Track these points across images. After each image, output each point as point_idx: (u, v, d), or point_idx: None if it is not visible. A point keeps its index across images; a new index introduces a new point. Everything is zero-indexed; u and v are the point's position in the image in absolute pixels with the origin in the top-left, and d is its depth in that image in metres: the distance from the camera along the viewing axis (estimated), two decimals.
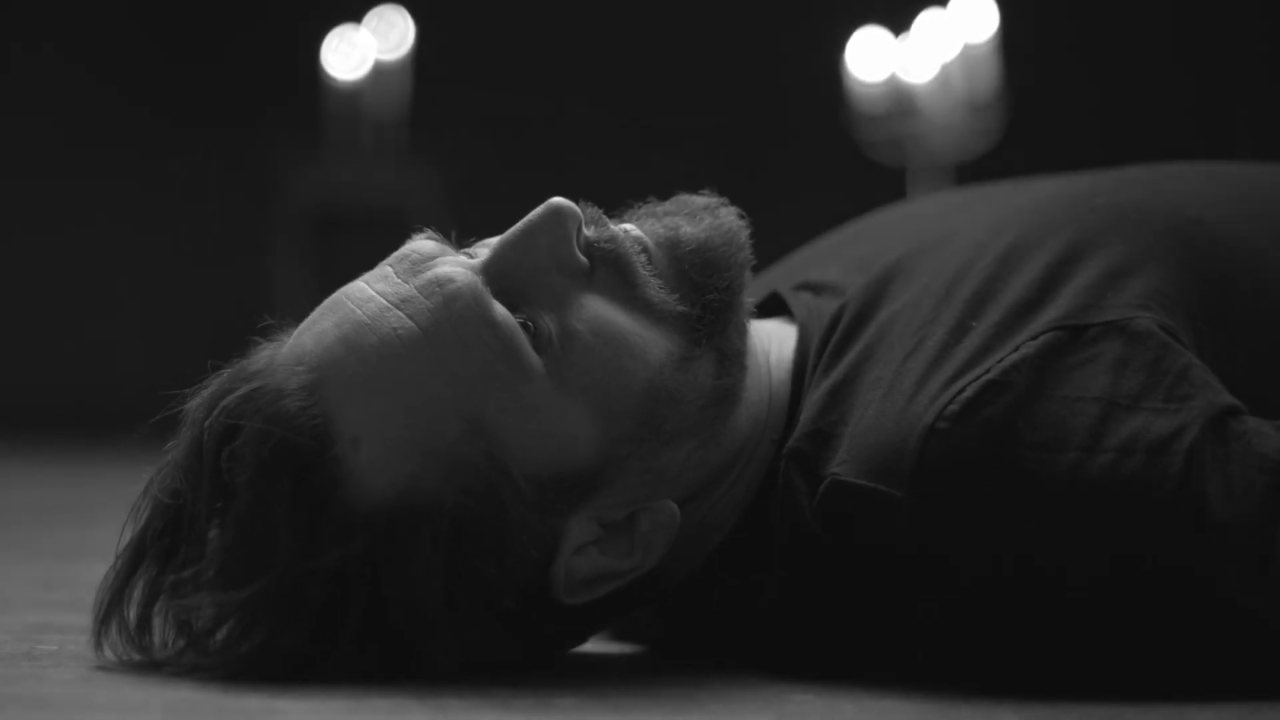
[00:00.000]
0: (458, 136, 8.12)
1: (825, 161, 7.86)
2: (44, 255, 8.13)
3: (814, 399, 1.17)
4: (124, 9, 8.30)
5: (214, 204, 8.34)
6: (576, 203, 1.14)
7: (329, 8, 8.20)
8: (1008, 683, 1.11)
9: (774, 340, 1.22)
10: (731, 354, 1.15)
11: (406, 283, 1.10)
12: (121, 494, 1.17)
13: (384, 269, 1.13)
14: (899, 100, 7.33)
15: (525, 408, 1.08)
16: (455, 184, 7.94)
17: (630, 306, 1.12)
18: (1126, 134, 6.62)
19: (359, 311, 1.10)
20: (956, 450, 1.08)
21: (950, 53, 7.23)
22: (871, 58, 7.42)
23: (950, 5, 7.30)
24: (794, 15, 8.20)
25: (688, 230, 1.16)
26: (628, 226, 1.16)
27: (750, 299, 1.18)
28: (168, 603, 1.08)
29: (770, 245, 1.21)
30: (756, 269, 1.21)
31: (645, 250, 1.15)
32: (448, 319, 1.08)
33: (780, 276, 1.34)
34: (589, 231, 1.14)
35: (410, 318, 1.09)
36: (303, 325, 1.13)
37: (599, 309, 1.11)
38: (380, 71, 8.15)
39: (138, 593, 1.09)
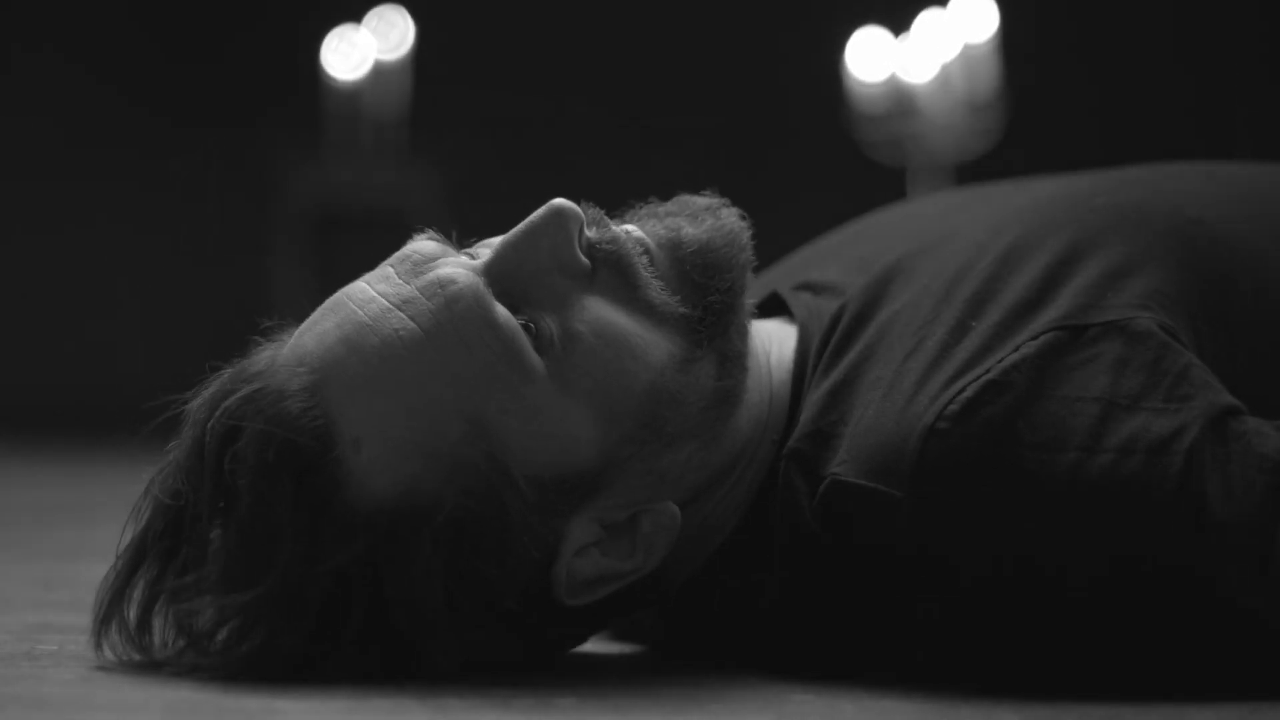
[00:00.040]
0: (458, 136, 8.12)
1: (825, 161, 7.86)
2: (44, 255, 8.13)
3: (814, 399, 1.17)
4: (124, 9, 8.30)
5: (214, 204, 8.33)
6: (578, 203, 1.14)
7: (329, 8, 8.20)
8: (1008, 683, 1.11)
9: (774, 340, 1.22)
10: (733, 355, 1.15)
11: (408, 284, 1.10)
12: (121, 494, 1.17)
13: (385, 270, 1.13)
14: (899, 100, 7.33)
15: (527, 409, 1.08)
16: (455, 184, 7.94)
17: (632, 308, 1.12)
18: (1126, 134, 6.62)
19: (360, 312, 1.10)
20: (956, 450, 1.08)
21: (950, 53, 7.23)
22: (871, 58, 7.42)
23: (950, 5, 7.30)
24: (794, 15, 8.19)
25: (689, 231, 1.16)
26: (629, 227, 1.16)
27: (751, 299, 1.18)
28: (169, 605, 1.08)
29: (770, 245, 1.21)
30: (757, 269, 1.21)
31: (647, 251, 1.15)
32: (449, 320, 1.08)
33: (780, 276, 1.34)
34: (591, 232, 1.14)
35: (412, 319, 1.09)
36: (304, 326, 1.13)
37: (601, 310, 1.11)
38: (380, 71, 8.15)
39: (138, 593, 1.09)
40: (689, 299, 1.14)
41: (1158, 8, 8.12)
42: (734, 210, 1.18)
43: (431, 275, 1.10)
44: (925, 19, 7.33)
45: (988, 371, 1.10)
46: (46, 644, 1.25)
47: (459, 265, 1.11)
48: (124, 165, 8.22)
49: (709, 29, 8.30)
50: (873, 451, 1.11)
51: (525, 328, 1.09)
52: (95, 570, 1.15)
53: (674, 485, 1.13)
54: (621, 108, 8.23)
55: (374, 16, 8.20)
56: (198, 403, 1.09)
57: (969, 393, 1.09)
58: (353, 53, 8.18)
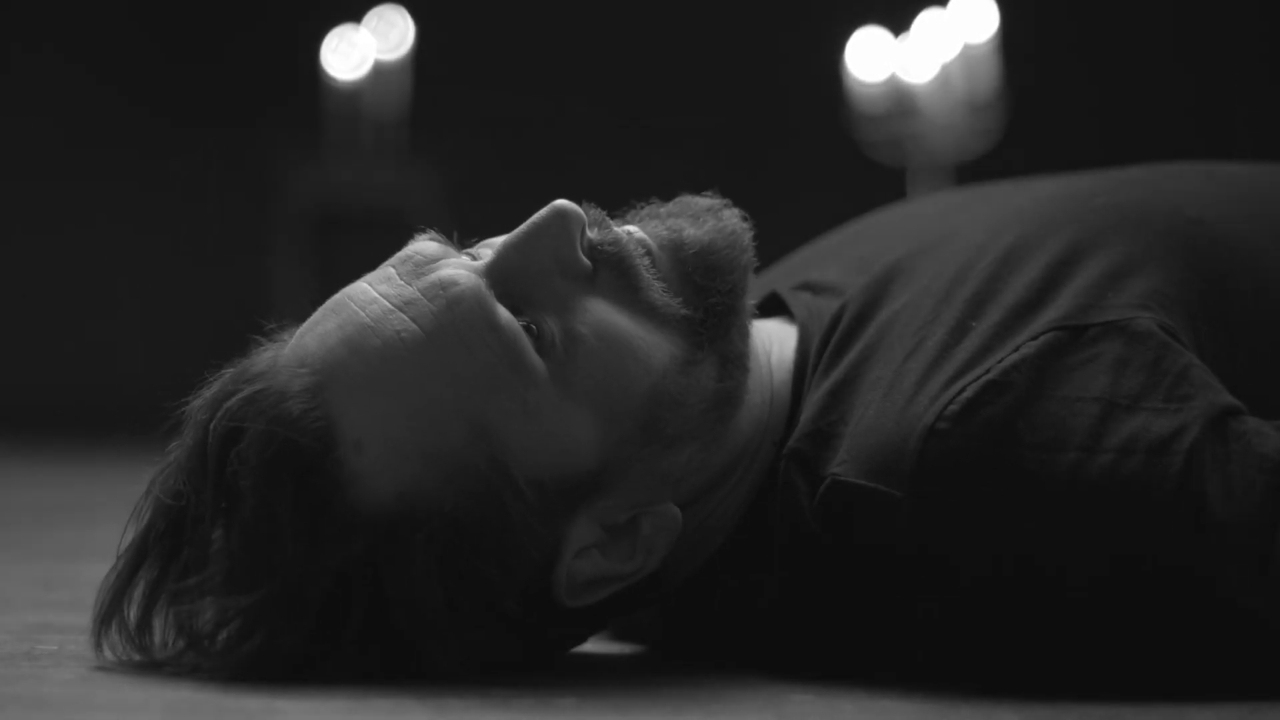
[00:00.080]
0: (458, 136, 8.12)
1: (825, 161, 7.86)
2: (44, 255, 8.13)
3: (814, 399, 1.17)
4: (124, 9, 8.30)
5: (214, 204, 8.34)
6: (580, 204, 1.14)
7: (329, 8, 8.20)
8: (1008, 683, 1.11)
9: (775, 341, 1.22)
10: (734, 357, 1.15)
11: (410, 285, 1.10)
12: (121, 494, 1.17)
13: (386, 270, 1.13)
14: (899, 100, 7.33)
15: (528, 411, 1.08)
16: (455, 184, 7.94)
17: (633, 309, 1.12)
18: (1126, 134, 6.62)
19: (362, 314, 1.10)
20: (956, 450, 1.08)
21: (950, 53, 7.23)
22: (871, 58, 7.42)
23: (950, 5, 7.30)
24: (794, 15, 8.20)
25: (691, 232, 1.16)
26: (631, 228, 1.16)
27: (751, 300, 1.18)
28: (170, 605, 1.08)
29: (770, 245, 1.21)
30: (757, 270, 1.20)
31: (649, 253, 1.14)
32: (451, 322, 1.08)
33: (780, 276, 1.34)
34: (592, 234, 1.13)
35: (413, 320, 1.09)
36: (305, 326, 1.13)
37: (602, 312, 1.11)
38: (380, 71, 8.15)
39: (139, 594, 1.09)
40: (690, 300, 1.14)
41: (1158, 8, 8.12)
42: (735, 211, 1.18)
43: (433, 276, 1.10)
44: (925, 19, 7.33)
45: (988, 372, 1.10)
46: (46, 644, 1.25)
47: (460, 266, 1.11)
48: (124, 165, 8.22)
49: (709, 29, 8.30)
50: (873, 451, 1.11)
51: (527, 329, 1.09)
52: (95, 570, 1.15)
53: (675, 487, 1.13)
54: (621, 108, 8.23)
55: (374, 16, 8.20)
56: (199, 403, 1.09)
57: (969, 393, 1.09)
58: (353, 53, 8.18)
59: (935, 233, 1.28)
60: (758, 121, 8.25)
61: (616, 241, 1.14)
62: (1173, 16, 8.11)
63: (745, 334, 1.16)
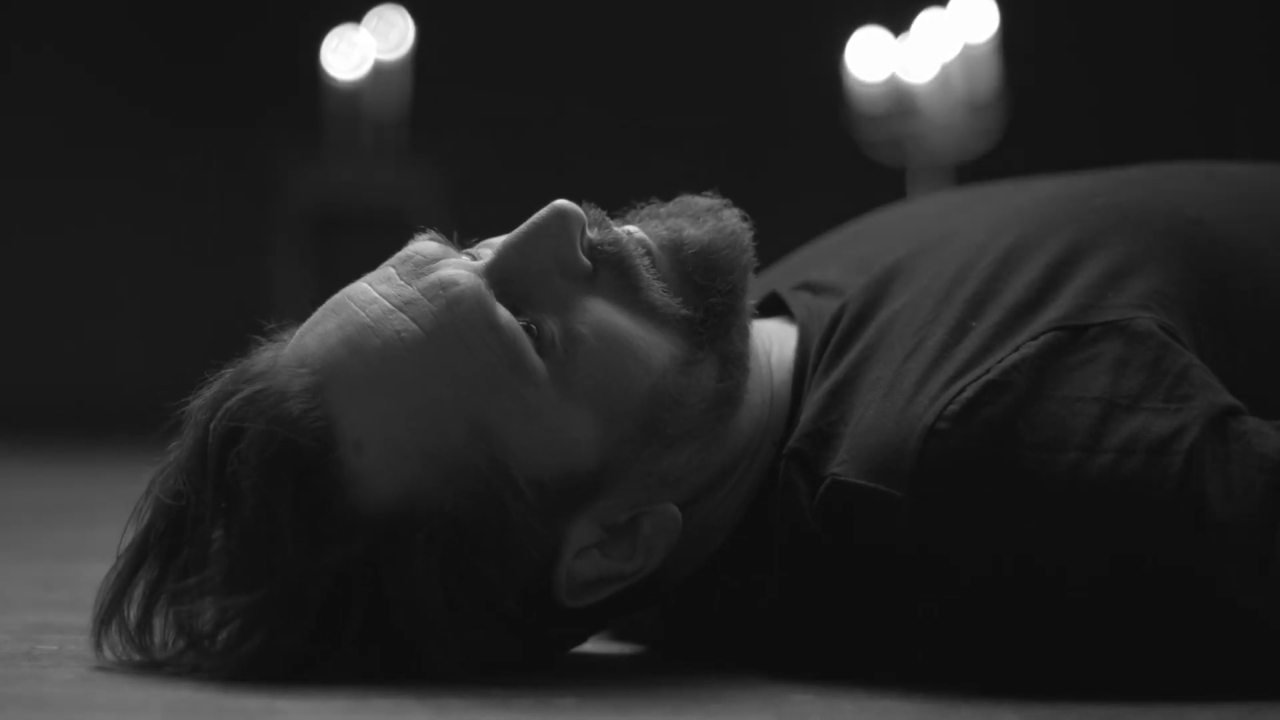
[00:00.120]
0: (458, 136, 8.12)
1: (825, 161, 7.87)
2: (44, 255, 8.14)
3: (814, 399, 1.17)
4: (124, 9, 8.31)
5: (214, 204, 8.34)
6: (580, 204, 1.14)
7: (329, 8, 8.21)
8: (1008, 683, 1.11)
9: (775, 340, 1.22)
10: (734, 357, 1.15)
11: (410, 285, 1.10)
12: (121, 494, 1.17)
13: (387, 270, 1.12)
14: (899, 100, 7.33)
15: (528, 411, 1.08)
16: (455, 184, 7.94)
17: (633, 310, 1.12)
18: (1126, 134, 6.62)
19: (362, 314, 1.10)
20: (956, 450, 1.08)
21: (950, 53, 7.23)
22: (871, 58, 7.42)
23: (950, 5, 7.30)
24: (794, 15, 8.20)
25: (691, 233, 1.16)
26: (631, 228, 1.16)
27: (751, 300, 1.18)
28: (170, 605, 1.08)
29: (770, 245, 1.21)
30: (757, 270, 1.20)
31: (649, 253, 1.14)
32: (451, 322, 1.08)
33: (780, 276, 1.34)
34: (592, 234, 1.13)
35: (414, 320, 1.09)
36: (305, 326, 1.13)
37: (602, 312, 1.11)
38: (380, 71, 8.15)
39: (139, 594, 1.09)
40: (690, 300, 1.14)
41: (1158, 8, 8.12)
42: (735, 211, 1.18)
43: (433, 277, 1.10)
44: (925, 19, 7.33)
45: (988, 372, 1.10)
46: (46, 644, 1.25)
47: (461, 266, 1.11)
48: (124, 165, 8.22)
49: (709, 29, 8.30)
50: (873, 451, 1.11)
51: (527, 329, 1.09)
52: (95, 570, 1.15)
53: (675, 487, 1.13)
54: (621, 108, 8.23)
55: (374, 16, 8.20)
56: (199, 403, 1.09)
57: (969, 393, 1.09)
58: (353, 53, 8.18)
59: (935, 233, 1.28)
60: (758, 121, 8.26)
61: (616, 241, 1.14)
62: (1173, 16, 8.11)
63: (745, 334, 1.16)
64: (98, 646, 1.11)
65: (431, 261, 1.11)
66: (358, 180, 8.17)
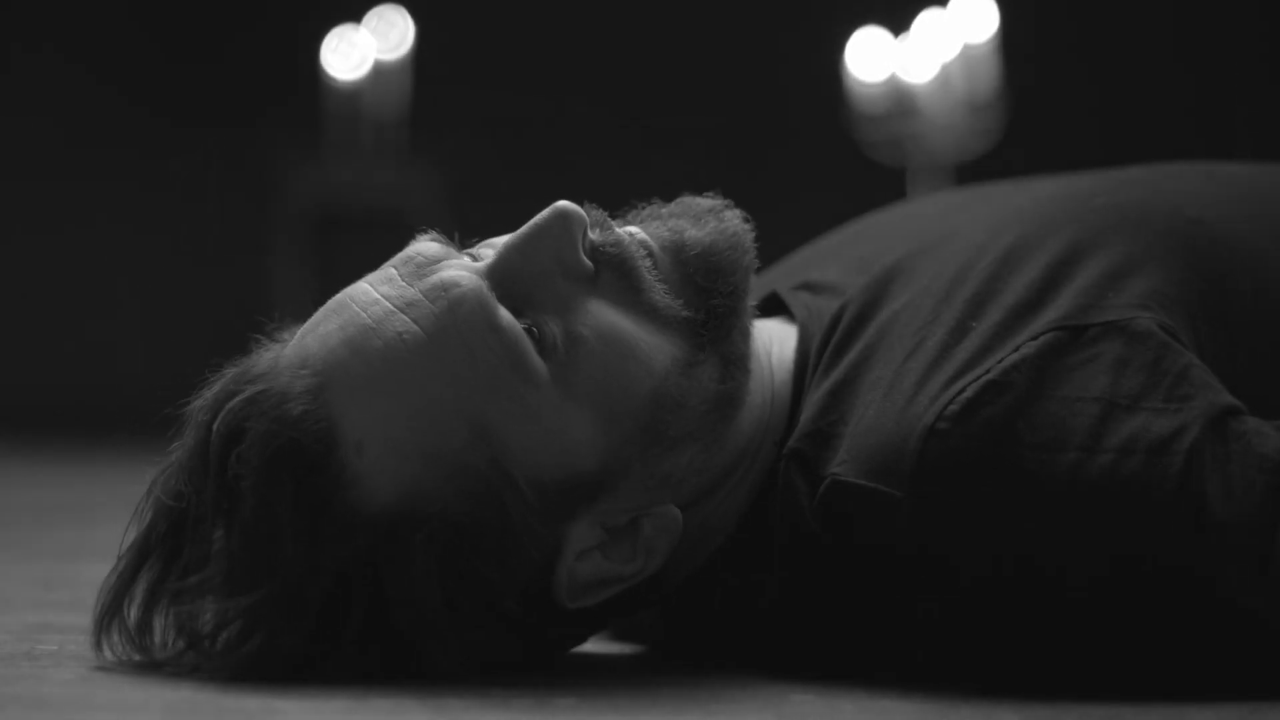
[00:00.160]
0: (458, 136, 8.12)
1: (825, 161, 7.86)
2: (44, 255, 8.13)
3: (814, 399, 1.17)
4: (124, 9, 8.30)
5: (214, 204, 8.34)
6: (581, 205, 1.14)
7: (329, 8, 8.20)
8: (1008, 683, 1.11)
9: (775, 340, 1.22)
10: (735, 358, 1.15)
11: (411, 286, 1.10)
12: (121, 494, 1.17)
13: (388, 271, 1.12)
14: (899, 100, 7.33)
15: (529, 413, 1.08)
16: (455, 184, 7.94)
17: (635, 311, 1.12)
18: (1126, 134, 6.62)
19: (364, 315, 1.10)
20: (956, 450, 1.08)
21: (950, 53, 7.23)
22: (871, 58, 7.42)
23: (950, 5, 7.30)
24: (794, 15, 8.19)
25: (692, 234, 1.16)
26: (632, 229, 1.16)
27: (753, 301, 1.18)
28: (171, 606, 1.08)
29: (770, 245, 1.21)
30: (757, 270, 1.20)
31: (650, 254, 1.14)
32: (452, 324, 1.08)
33: (780, 276, 1.34)
34: (594, 235, 1.13)
35: (415, 322, 1.09)
36: (306, 326, 1.13)
37: (604, 314, 1.11)
38: (380, 71, 8.15)
39: (140, 594, 1.09)
40: (692, 302, 1.14)
41: (1158, 8, 8.12)
42: (737, 212, 1.18)
43: (435, 278, 1.10)
44: (925, 19, 7.33)
45: (988, 372, 1.10)
46: (46, 644, 1.25)
47: (462, 268, 1.11)
48: (124, 165, 8.22)
49: (709, 29, 8.30)
50: (873, 451, 1.11)
51: (528, 331, 1.09)
52: (95, 570, 1.15)
53: (676, 488, 1.13)
54: (621, 108, 8.23)
55: (374, 16, 8.20)
56: (200, 404, 1.09)
57: (969, 393, 1.09)
58: (353, 53, 8.18)
59: (935, 233, 1.28)
60: (758, 121, 8.25)
61: (618, 243, 1.14)
62: (1173, 16, 8.11)
63: (747, 335, 1.16)
64: (98, 646, 1.11)
65: (433, 263, 1.11)
66: (358, 180, 8.16)
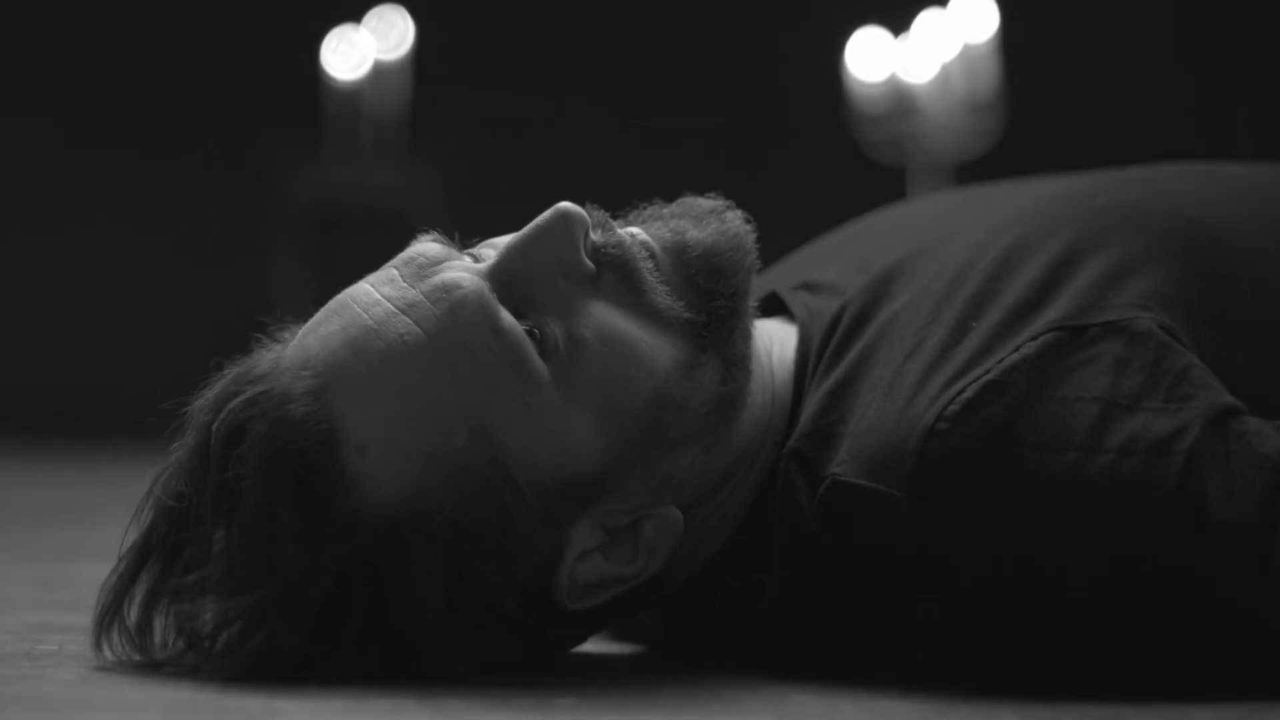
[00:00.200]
0: (458, 136, 8.12)
1: (825, 161, 7.86)
2: (44, 255, 8.13)
3: (814, 399, 1.17)
4: (124, 9, 8.30)
5: (214, 204, 8.33)
6: (583, 206, 1.13)
7: (329, 8, 8.20)
8: (1008, 683, 1.11)
9: (775, 340, 1.22)
10: (736, 360, 1.15)
11: (413, 287, 1.10)
12: (121, 494, 1.17)
13: (389, 272, 1.12)
14: (899, 100, 7.32)
15: (531, 415, 1.08)
16: (455, 184, 7.94)
17: (637, 313, 1.12)
18: (1126, 134, 6.62)
19: (365, 316, 1.10)
20: (956, 451, 1.08)
21: (950, 53, 7.23)
22: (871, 58, 7.42)
23: (950, 5, 7.30)
24: (794, 15, 8.19)
25: (694, 235, 1.16)
26: (634, 231, 1.15)
27: (753, 302, 1.18)
28: (171, 606, 1.08)
29: (770, 245, 1.21)
30: (758, 270, 1.20)
31: (652, 255, 1.14)
32: (454, 326, 1.08)
33: (780, 276, 1.34)
34: (596, 236, 1.13)
35: (417, 323, 1.09)
36: (307, 327, 1.13)
37: (606, 316, 1.11)
38: (380, 71, 8.14)
39: (140, 594, 1.09)
40: (693, 304, 1.14)
41: (1158, 8, 8.12)
42: (738, 213, 1.18)
43: (436, 279, 1.10)
44: (925, 19, 7.32)
45: (988, 372, 1.10)
46: (46, 644, 1.25)
47: (464, 269, 1.11)
48: (124, 165, 8.22)
49: (709, 29, 8.30)
50: (873, 452, 1.11)
51: (530, 333, 1.09)
52: (95, 570, 1.15)
53: (677, 490, 1.13)
54: (621, 108, 8.23)
55: (374, 16, 8.20)
56: (201, 404, 1.09)
57: (969, 393, 1.09)
58: (353, 53, 8.18)
59: (935, 233, 1.28)
60: (758, 121, 8.25)
61: (620, 244, 1.13)
62: (1173, 16, 8.11)
63: (748, 337, 1.16)
64: (98, 646, 1.11)
65: (435, 264, 1.11)
66: (358, 180, 8.16)
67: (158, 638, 1.10)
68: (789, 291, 1.27)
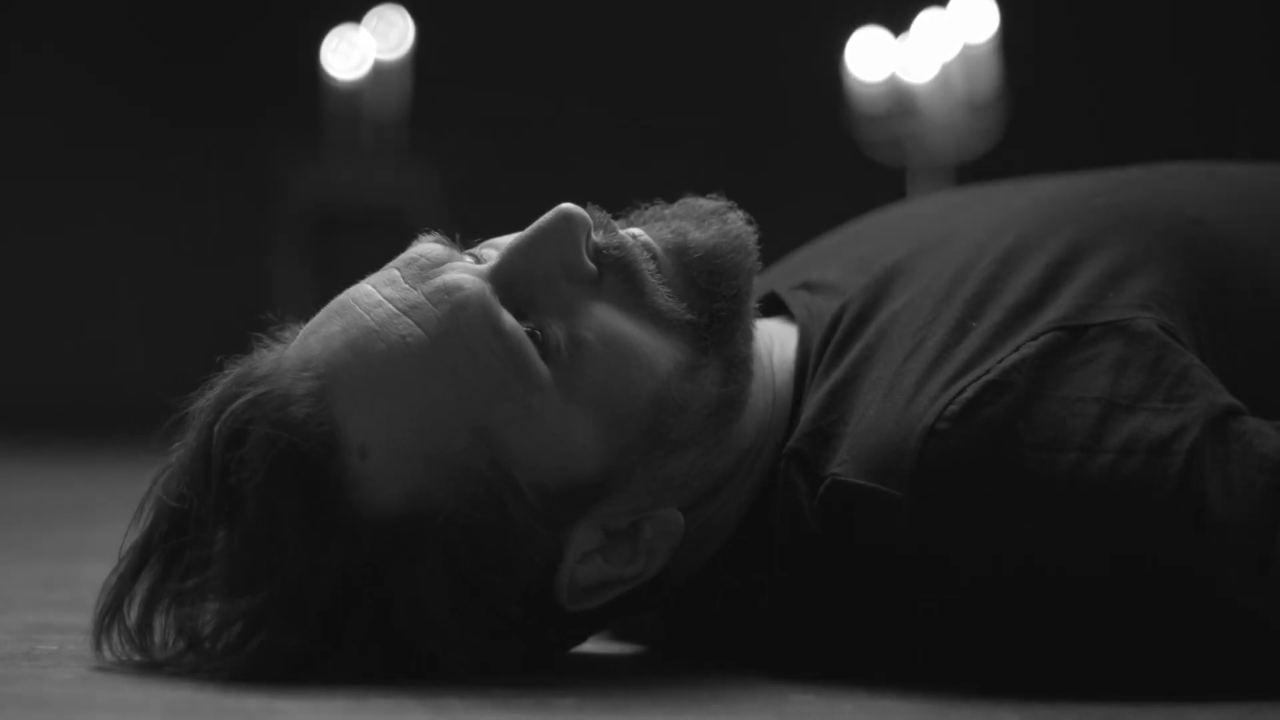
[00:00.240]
0: (458, 136, 8.12)
1: (825, 161, 7.86)
2: (44, 255, 8.13)
3: (814, 399, 1.17)
4: (124, 9, 8.30)
5: (214, 204, 8.33)
6: (584, 207, 1.13)
7: (329, 8, 8.20)
8: (1008, 683, 1.11)
9: (776, 341, 1.22)
10: (738, 361, 1.15)
11: (415, 289, 1.10)
12: (122, 494, 1.17)
13: (391, 272, 1.12)
14: (899, 100, 7.32)
15: (532, 417, 1.08)
16: (455, 184, 7.94)
17: (638, 315, 1.12)
18: (1126, 134, 6.62)
19: (367, 317, 1.10)
20: (956, 451, 1.08)
21: (950, 53, 7.23)
22: (871, 58, 7.42)
23: (950, 5, 7.30)
24: (794, 15, 8.19)
25: (696, 236, 1.16)
26: (636, 232, 1.15)
27: (755, 303, 1.18)
28: (172, 607, 1.08)
29: (770, 245, 1.21)
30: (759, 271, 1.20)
31: (654, 257, 1.14)
32: (455, 328, 1.08)
33: (780, 276, 1.34)
34: (597, 237, 1.13)
35: (418, 325, 1.09)
36: (308, 327, 1.13)
37: (607, 317, 1.11)
38: (380, 71, 8.14)
39: (141, 595, 1.09)
40: (695, 305, 1.14)
41: (1158, 8, 8.12)
42: (740, 214, 1.18)
43: (438, 281, 1.10)
44: (925, 19, 7.32)
45: (988, 372, 1.10)
46: (46, 644, 1.25)
47: (466, 271, 1.11)
48: (124, 165, 8.22)
49: (709, 29, 8.30)
50: (873, 452, 1.11)
51: (531, 335, 1.09)
52: (95, 570, 1.14)
53: (677, 491, 1.13)
54: (621, 108, 8.23)
55: (374, 16, 8.20)
56: (202, 404, 1.09)
57: (969, 393, 1.09)
58: (353, 53, 8.18)
59: (935, 233, 1.28)
60: (758, 121, 8.25)
61: (622, 245, 1.13)
62: (1173, 16, 8.11)
63: (749, 338, 1.16)
64: (98, 647, 1.11)
65: (436, 265, 1.11)
66: (358, 180, 8.16)
67: (158, 638, 1.09)
68: (789, 291, 1.27)
